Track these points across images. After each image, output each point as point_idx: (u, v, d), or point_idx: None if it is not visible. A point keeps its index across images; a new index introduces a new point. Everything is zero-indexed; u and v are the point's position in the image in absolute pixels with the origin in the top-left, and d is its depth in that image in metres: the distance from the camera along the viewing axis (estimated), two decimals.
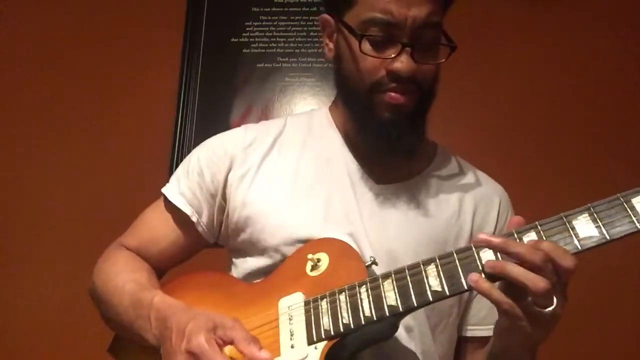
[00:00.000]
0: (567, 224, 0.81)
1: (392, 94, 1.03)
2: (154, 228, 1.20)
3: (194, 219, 1.15)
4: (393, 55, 1.01)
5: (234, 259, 1.18)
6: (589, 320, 1.96)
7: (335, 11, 1.10)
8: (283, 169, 1.14)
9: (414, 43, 1.00)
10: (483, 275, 0.82)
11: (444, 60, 1.05)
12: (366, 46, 1.02)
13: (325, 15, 1.13)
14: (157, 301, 0.99)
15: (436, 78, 1.08)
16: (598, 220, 0.79)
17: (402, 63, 1.00)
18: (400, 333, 1.03)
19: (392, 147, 1.08)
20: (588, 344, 1.97)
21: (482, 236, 0.83)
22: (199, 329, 0.88)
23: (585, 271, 1.82)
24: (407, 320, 1.02)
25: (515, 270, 0.79)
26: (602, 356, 1.99)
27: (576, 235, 0.80)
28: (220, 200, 1.16)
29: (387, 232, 1.08)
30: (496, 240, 0.82)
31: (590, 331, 1.98)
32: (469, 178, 1.19)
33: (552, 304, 0.79)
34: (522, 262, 0.78)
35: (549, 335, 0.84)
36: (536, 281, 0.77)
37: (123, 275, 1.10)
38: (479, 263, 0.84)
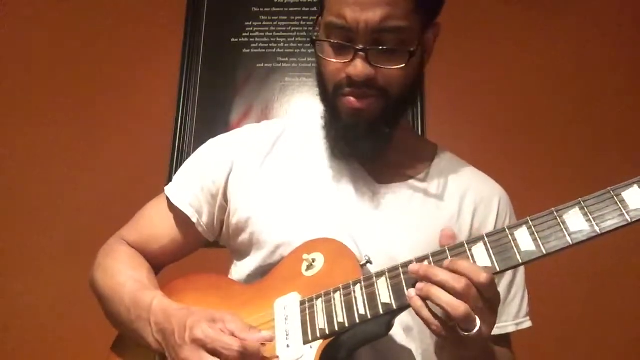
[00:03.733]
0: (558, 218, 0.80)
1: (350, 98, 1.03)
2: (155, 225, 1.20)
3: (195, 219, 1.16)
4: (348, 60, 1.01)
5: (235, 260, 1.19)
6: (588, 319, 1.96)
7: (318, 14, 1.11)
8: (284, 169, 1.15)
9: (369, 47, 0.99)
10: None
11: (403, 64, 1.02)
12: (327, 51, 1.04)
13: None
14: (156, 304, 1.00)
15: (406, 82, 1.05)
16: (589, 214, 0.79)
17: (355, 68, 1.00)
18: (400, 334, 1.03)
19: (351, 150, 1.10)
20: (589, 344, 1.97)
21: (412, 267, 0.85)
22: (199, 320, 0.90)
23: (583, 269, 1.83)
24: (407, 320, 1.03)
25: (438, 295, 0.80)
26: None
27: (567, 230, 0.79)
28: (222, 201, 1.16)
29: (386, 232, 1.08)
30: (422, 269, 0.83)
31: (590, 331, 1.98)
32: (469, 179, 1.19)
33: (475, 328, 0.79)
34: (446, 289, 0.80)
35: (479, 353, 0.87)
36: (456, 306, 0.78)
37: (124, 273, 1.11)
38: (471, 260, 0.83)
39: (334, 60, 1.03)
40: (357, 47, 0.99)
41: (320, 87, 1.11)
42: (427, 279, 0.82)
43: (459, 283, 0.79)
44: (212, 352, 0.87)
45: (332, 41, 1.02)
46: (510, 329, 1.12)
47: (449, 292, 0.79)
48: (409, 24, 1.01)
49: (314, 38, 1.05)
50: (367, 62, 0.99)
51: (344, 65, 1.02)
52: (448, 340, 0.83)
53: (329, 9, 1.03)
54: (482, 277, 0.79)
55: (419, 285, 0.83)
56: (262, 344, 0.90)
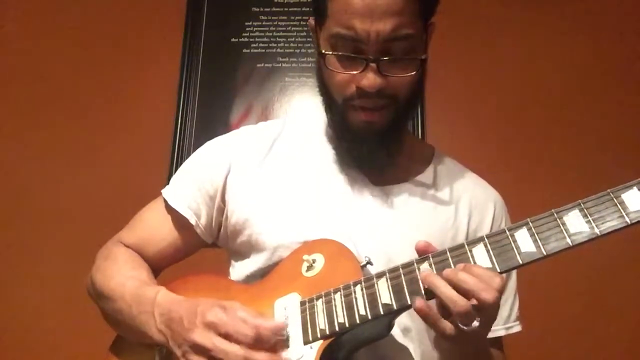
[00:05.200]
0: (558, 220, 0.81)
1: (363, 113, 1.03)
2: (153, 228, 1.20)
3: (193, 221, 1.16)
4: (358, 72, 1.00)
5: (233, 261, 1.19)
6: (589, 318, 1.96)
7: (315, 20, 1.10)
8: (281, 171, 1.15)
9: (380, 58, 0.99)
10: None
11: (414, 72, 1.02)
12: (333, 62, 1.03)
13: (311, 21, 1.13)
14: (161, 297, 1.01)
15: (414, 88, 1.06)
16: (588, 216, 0.79)
17: (368, 80, 0.99)
18: (398, 334, 1.03)
19: (362, 160, 1.10)
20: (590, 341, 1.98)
21: (446, 272, 0.84)
22: (211, 305, 0.91)
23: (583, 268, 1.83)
24: (405, 321, 1.03)
25: (442, 290, 0.81)
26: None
27: (567, 231, 0.80)
28: (219, 203, 1.16)
29: (384, 233, 1.08)
30: (451, 275, 0.83)
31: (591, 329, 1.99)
32: (465, 182, 1.19)
33: (473, 323, 0.81)
34: (475, 297, 0.80)
35: (476, 346, 0.90)
36: (458, 303, 0.80)
37: (124, 272, 1.11)
38: (472, 261, 0.84)
39: (343, 72, 1.02)
40: (369, 58, 0.99)
41: (325, 98, 1.11)
42: (456, 286, 0.82)
43: (490, 294, 0.79)
44: (225, 336, 0.87)
45: (345, 54, 1.01)
46: (501, 332, 1.13)
47: (476, 299, 0.80)
48: (416, 30, 1.01)
49: (323, 52, 1.03)
50: (379, 73, 0.99)
51: (353, 76, 1.01)
52: (442, 333, 0.84)
53: (334, 20, 1.01)
54: (497, 283, 0.80)
55: (423, 274, 0.85)
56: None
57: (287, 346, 0.92)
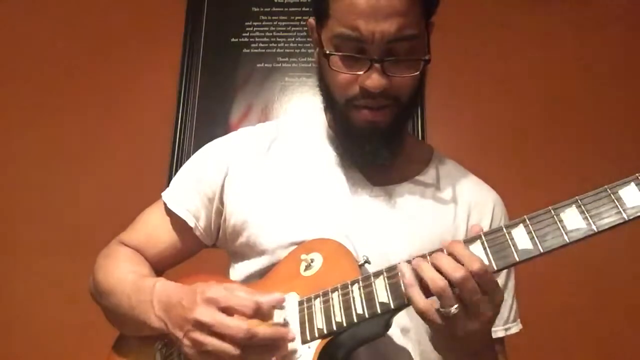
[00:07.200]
0: (555, 216, 0.80)
1: (366, 111, 1.03)
2: (153, 230, 1.21)
3: (192, 224, 1.16)
4: (362, 72, 1.00)
5: (232, 262, 1.19)
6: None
7: (316, 20, 1.10)
8: (279, 172, 1.15)
9: (384, 58, 0.99)
10: None
11: (417, 73, 1.02)
12: (337, 62, 1.02)
13: (311, 20, 1.13)
14: (160, 285, 1.01)
15: (416, 88, 1.06)
16: (585, 213, 0.79)
17: (372, 80, 0.99)
18: (397, 334, 1.03)
19: (365, 160, 1.10)
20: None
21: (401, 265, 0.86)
22: (210, 283, 0.92)
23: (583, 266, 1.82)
24: (404, 321, 1.03)
25: (423, 268, 0.82)
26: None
27: (564, 228, 0.79)
28: (218, 205, 1.16)
29: (382, 233, 1.08)
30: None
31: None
32: (464, 183, 1.19)
33: (451, 308, 0.80)
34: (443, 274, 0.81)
35: (466, 346, 0.87)
36: (436, 281, 0.80)
37: (125, 268, 1.12)
38: None
39: (347, 73, 1.02)
40: (374, 59, 0.99)
41: (327, 98, 1.11)
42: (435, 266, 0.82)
43: (457, 272, 0.79)
44: (226, 310, 0.87)
45: (349, 54, 1.01)
46: (500, 333, 1.12)
47: (446, 279, 0.80)
48: (419, 31, 1.01)
49: (327, 52, 1.03)
50: (383, 73, 0.99)
51: (356, 77, 1.01)
52: (432, 324, 0.83)
53: (338, 20, 1.01)
54: (476, 265, 0.79)
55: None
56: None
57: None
